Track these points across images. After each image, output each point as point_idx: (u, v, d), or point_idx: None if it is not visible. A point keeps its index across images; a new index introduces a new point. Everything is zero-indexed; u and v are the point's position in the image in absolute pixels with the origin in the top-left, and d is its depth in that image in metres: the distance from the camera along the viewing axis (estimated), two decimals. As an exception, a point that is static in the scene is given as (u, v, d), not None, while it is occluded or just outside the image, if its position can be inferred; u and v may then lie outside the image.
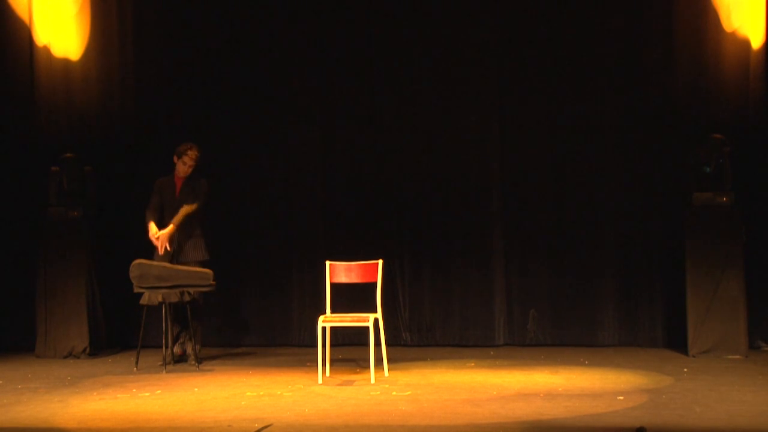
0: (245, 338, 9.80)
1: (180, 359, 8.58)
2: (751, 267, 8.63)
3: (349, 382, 7.53)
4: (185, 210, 8.49)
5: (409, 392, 6.99)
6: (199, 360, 8.41)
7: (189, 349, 8.53)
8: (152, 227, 8.42)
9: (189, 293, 8.32)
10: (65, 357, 9.12)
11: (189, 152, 8.57)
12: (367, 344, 7.58)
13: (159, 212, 8.56)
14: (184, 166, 8.59)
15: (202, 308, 8.72)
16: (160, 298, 8.26)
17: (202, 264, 8.50)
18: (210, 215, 8.88)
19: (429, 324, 9.62)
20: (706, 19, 8.97)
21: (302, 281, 9.71)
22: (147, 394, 7.11)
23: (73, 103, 9.70)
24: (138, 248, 8.61)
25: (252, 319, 9.83)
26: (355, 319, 7.68)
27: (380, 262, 7.85)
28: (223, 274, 8.82)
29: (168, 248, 8.40)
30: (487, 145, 9.56)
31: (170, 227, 8.43)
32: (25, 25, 9.64)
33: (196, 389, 7.26)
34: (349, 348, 9.17)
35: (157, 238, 8.38)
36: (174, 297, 8.27)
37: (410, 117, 9.66)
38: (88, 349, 9.18)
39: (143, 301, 8.37)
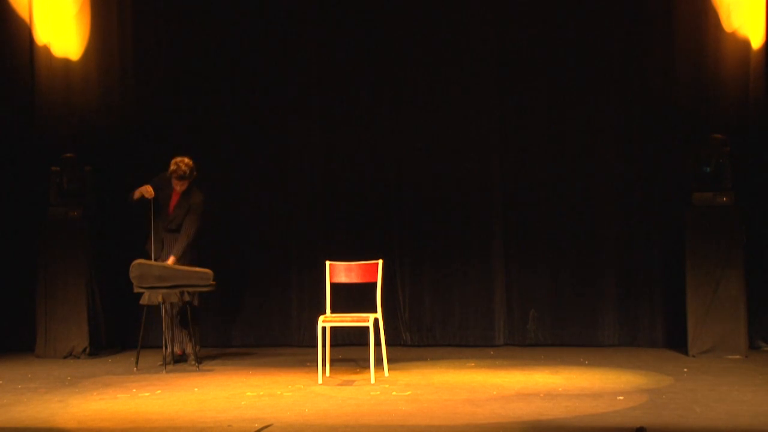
0: (245, 338, 9.80)
1: (180, 359, 8.58)
2: (751, 267, 8.64)
3: (349, 382, 7.53)
4: (185, 241, 8.42)
5: (409, 392, 6.99)
6: (199, 360, 8.41)
7: (189, 349, 8.53)
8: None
9: (189, 293, 8.32)
10: (65, 357, 9.12)
11: (174, 174, 8.37)
12: (367, 344, 7.58)
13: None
14: (176, 184, 8.51)
15: (199, 308, 8.70)
16: (160, 298, 8.26)
17: (196, 263, 8.48)
18: (208, 216, 8.84)
19: (429, 324, 9.62)
20: (706, 19, 8.98)
21: (302, 281, 9.71)
22: (147, 394, 7.11)
23: (73, 103, 9.70)
24: (138, 248, 8.60)
25: (252, 319, 9.82)
26: (355, 319, 7.68)
27: (380, 262, 7.85)
28: (223, 274, 8.81)
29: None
30: (487, 145, 9.56)
31: (173, 258, 8.35)
32: (25, 24, 9.64)
33: (196, 389, 7.26)
34: (349, 348, 9.18)
35: (147, 189, 8.28)
36: (174, 297, 8.27)
37: (410, 117, 9.66)
38: (88, 349, 9.18)
39: (143, 301, 8.36)
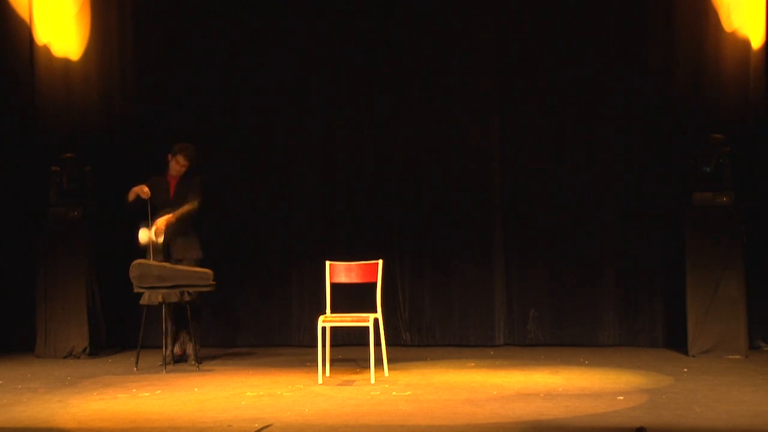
0: (245, 338, 9.80)
1: (180, 359, 8.58)
2: (751, 267, 8.63)
3: (349, 382, 7.53)
4: (189, 207, 8.45)
5: (409, 392, 6.99)
6: (200, 360, 8.41)
7: (189, 350, 8.54)
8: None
9: (189, 293, 8.32)
10: (65, 357, 9.12)
11: (183, 152, 8.49)
12: (367, 344, 7.58)
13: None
14: (177, 165, 8.54)
15: (200, 308, 8.70)
16: (160, 298, 8.26)
17: (198, 262, 8.50)
18: (208, 214, 8.86)
19: (429, 324, 9.62)
20: (706, 19, 8.98)
21: (302, 281, 9.71)
22: (147, 394, 7.11)
23: (73, 103, 9.70)
24: (138, 248, 8.59)
25: (252, 319, 9.82)
26: (355, 319, 7.68)
27: (380, 262, 7.85)
28: (223, 274, 8.81)
29: (158, 241, 8.33)
30: (487, 145, 9.56)
31: (170, 216, 8.38)
32: (25, 24, 9.65)
33: (196, 389, 7.26)
34: (349, 348, 9.17)
35: (143, 189, 8.29)
36: (174, 297, 8.27)
37: (410, 117, 9.66)
38: (88, 349, 9.18)
39: (143, 301, 8.36)
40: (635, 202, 9.30)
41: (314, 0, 9.79)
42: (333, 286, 7.90)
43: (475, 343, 9.46)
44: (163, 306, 8.31)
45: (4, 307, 9.59)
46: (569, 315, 9.38)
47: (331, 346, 7.83)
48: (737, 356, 8.40)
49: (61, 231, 9.24)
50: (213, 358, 8.91)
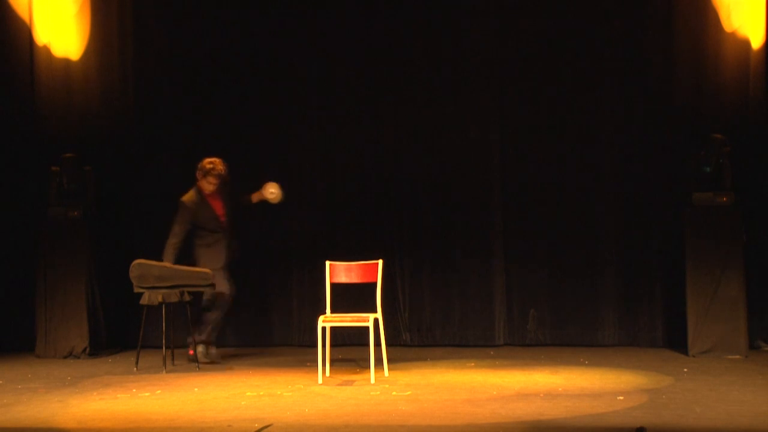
0: (245, 338, 9.79)
1: (192, 359, 8.55)
2: (751, 267, 8.63)
3: (349, 382, 7.53)
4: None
5: (409, 392, 6.99)
6: (207, 358, 8.47)
7: (199, 349, 8.53)
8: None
9: (189, 293, 8.33)
10: (65, 357, 9.12)
11: (214, 171, 8.52)
12: (367, 344, 7.58)
13: (183, 243, 8.53)
14: (208, 184, 8.56)
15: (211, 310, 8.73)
16: (160, 298, 8.26)
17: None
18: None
19: (429, 324, 9.62)
20: (706, 19, 8.98)
21: (302, 281, 9.71)
22: (147, 394, 7.11)
23: (73, 103, 9.70)
24: (138, 248, 8.59)
25: (252, 319, 9.82)
26: (355, 319, 7.68)
27: (380, 262, 7.85)
28: (223, 274, 8.82)
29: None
30: (487, 146, 9.56)
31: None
32: (25, 24, 9.65)
33: (196, 389, 7.26)
34: (349, 348, 9.17)
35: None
36: (174, 297, 8.28)
37: (410, 117, 9.66)
38: (88, 349, 9.18)
39: (143, 301, 8.37)
40: (635, 202, 9.30)
41: (314, 0, 9.79)
42: (333, 286, 7.90)
43: (475, 343, 9.46)
44: (163, 306, 8.31)
45: (4, 307, 9.59)
46: (569, 315, 9.38)
47: (331, 346, 7.83)
48: (737, 356, 8.40)
49: (61, 231, 9.24)
50: (213, 358, 8.92)
